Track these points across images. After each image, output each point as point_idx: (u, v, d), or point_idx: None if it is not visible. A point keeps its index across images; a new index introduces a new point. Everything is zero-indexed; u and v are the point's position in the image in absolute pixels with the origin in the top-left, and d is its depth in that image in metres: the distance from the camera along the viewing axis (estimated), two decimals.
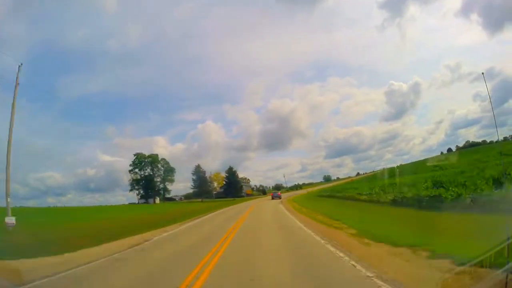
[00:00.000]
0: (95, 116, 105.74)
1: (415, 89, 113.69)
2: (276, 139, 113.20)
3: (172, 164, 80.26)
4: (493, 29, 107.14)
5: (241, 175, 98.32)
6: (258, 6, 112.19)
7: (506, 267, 3.34)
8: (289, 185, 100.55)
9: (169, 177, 79.73)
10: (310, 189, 67.27)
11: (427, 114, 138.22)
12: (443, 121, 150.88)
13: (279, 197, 50.51)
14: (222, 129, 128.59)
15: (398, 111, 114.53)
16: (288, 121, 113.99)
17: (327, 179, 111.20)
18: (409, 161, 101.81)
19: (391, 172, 29.30)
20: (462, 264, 4.25)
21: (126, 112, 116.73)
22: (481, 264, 3.90)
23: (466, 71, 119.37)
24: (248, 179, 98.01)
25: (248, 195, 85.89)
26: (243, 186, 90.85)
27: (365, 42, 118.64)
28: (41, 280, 6.03)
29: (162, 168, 79.13)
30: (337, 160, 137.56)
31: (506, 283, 3.22)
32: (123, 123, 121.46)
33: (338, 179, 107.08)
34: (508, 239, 3.49)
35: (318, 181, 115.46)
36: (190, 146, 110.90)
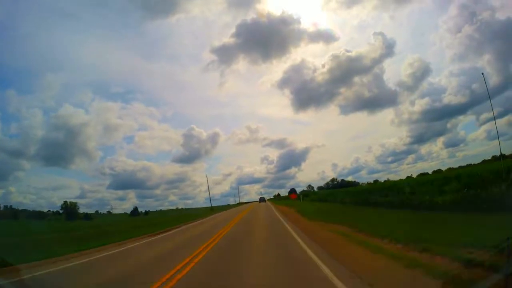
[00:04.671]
0: None
1: (214, 139, 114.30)
2: (58, 152, 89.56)
3: None
4: (298, 108, 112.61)
5: (13, 188, 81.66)
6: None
7: (506, 267, 3.33)
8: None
9: None
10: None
11: (218, 165, 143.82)
12: (231, 174, 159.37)
13: (264, 201, 73.93)
14: None
15: (192, 156, 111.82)
16: (76, 135, 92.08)
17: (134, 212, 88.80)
18: (194, 206, 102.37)
19: None
20: (462, 264, 4.24)
21: None
22: (481, 264, 3.88)
23: (262, 136, 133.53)
24: None
25: None
26: None
27: (182, 79, 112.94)
28: None
29: None
30: (120, 192, 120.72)
31: (506, 283, 3.21)
32: None
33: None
34: (508, 239, 3.47)
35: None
36: None
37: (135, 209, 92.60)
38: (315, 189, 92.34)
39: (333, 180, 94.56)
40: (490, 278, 3.44)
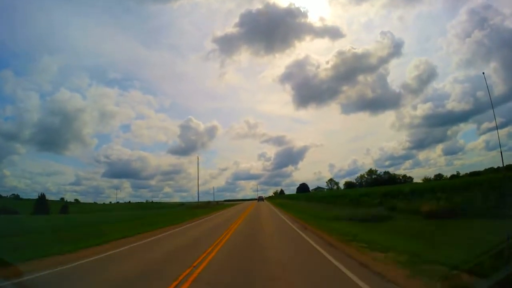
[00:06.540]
0: None
1: (211, 132, 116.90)
2: (53, 137, 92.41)
3: None
4: (299, 104, 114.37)
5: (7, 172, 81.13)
6: None
7: (506, 266, 3.32)
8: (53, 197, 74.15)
9: None
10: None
11: (214, 158, 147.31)
12: (227, 169, 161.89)
13: (263, 200, 72.27)
14: None
15: (188, 148, 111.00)
16: (72, 120, 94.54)
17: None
18: (187, 200, 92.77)
19: None
20: (462, 264, 4.22)
21: None
22: (481, 264, 3.87)
23: (261, 132, 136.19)
24: None
25: None
26: None
27: (181, 68, 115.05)
28: None
29: None
30: (115, 181, 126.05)
31: (507, 282, 3.20)
32: None
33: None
34: (508, 238, 3.47)
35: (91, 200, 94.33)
36: None
37: (42, 198, 58.33)
38: (341, 185, 79.66)
39: (371, 172, 74.20)
40: (490, 277, 3.44)
